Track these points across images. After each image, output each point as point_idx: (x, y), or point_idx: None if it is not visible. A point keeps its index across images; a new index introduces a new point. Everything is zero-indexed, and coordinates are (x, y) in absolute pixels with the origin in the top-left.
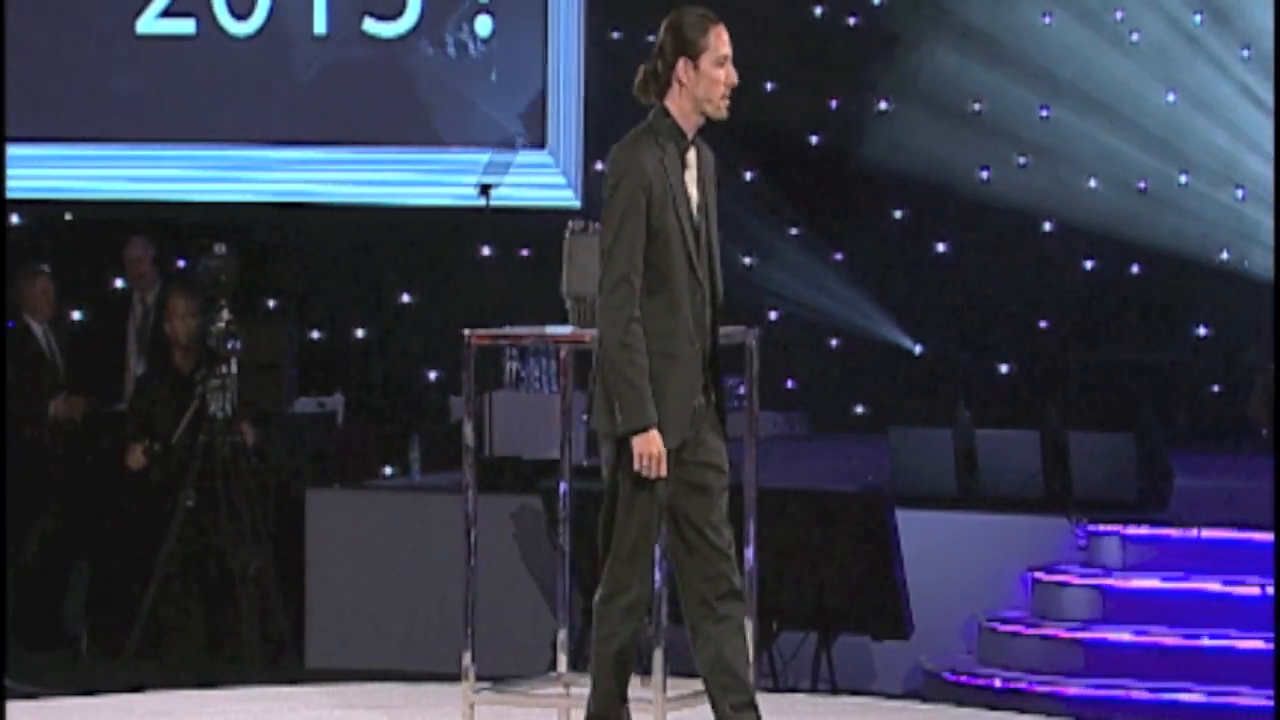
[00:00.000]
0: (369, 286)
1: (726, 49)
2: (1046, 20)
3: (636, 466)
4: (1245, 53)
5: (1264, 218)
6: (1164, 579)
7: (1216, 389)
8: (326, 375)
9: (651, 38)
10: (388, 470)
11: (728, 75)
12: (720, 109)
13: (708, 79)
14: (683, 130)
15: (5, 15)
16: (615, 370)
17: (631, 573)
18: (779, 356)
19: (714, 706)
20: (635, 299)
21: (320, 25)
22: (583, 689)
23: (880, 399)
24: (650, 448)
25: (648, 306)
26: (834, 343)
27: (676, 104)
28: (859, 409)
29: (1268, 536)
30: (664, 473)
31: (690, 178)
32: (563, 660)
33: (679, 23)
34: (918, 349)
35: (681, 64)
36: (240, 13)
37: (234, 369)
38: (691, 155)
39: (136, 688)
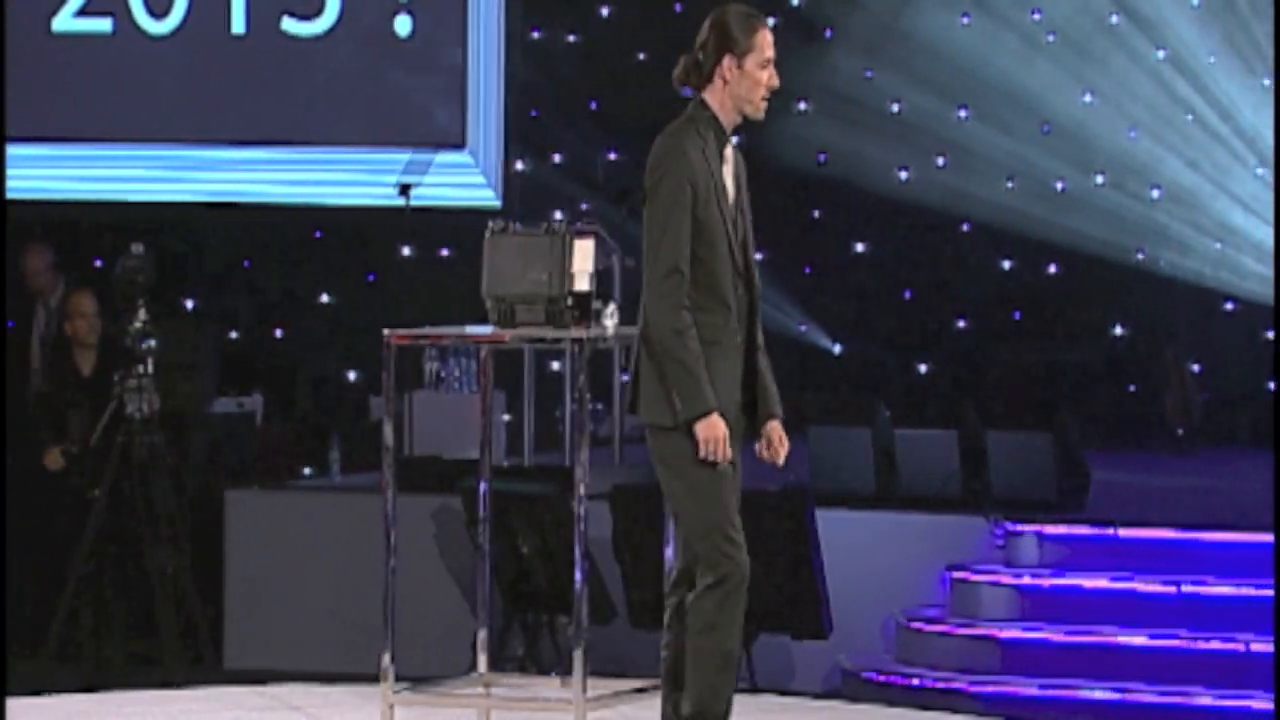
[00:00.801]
0: (288, 286)
1: (771, 51)
2: (965, 21)
3: (702, 453)
4: (1161, 54)
5: (1178, 218)
6: (1081, 578)
7: (1133, 389)
8: (245, 375)
9: (572, 38)
10: (307, 470)
11: (770, 78)
12: (759, 110)
13: (750, 79)
14: (721, 124)
15: (5, 16)
16: (671, 358)
17: (724, 560)
18: None
19: (664, 700)
20: (685, 288)
21: (239, 24)
22: (502, 689)
23: (799, 399)
24: (714, 431)
25: (695, 298)
26: None
27: (717, 99)
28: None
29: (1183, 535)
30: (729, 455)
31: (728, 172)
32: (482, 660)
33: (726, 19)
34: (837, 349)
35: (727, 61)
36: (158, 11)
37: (151, 369)
38: (729, 150)
39: (54, 690)
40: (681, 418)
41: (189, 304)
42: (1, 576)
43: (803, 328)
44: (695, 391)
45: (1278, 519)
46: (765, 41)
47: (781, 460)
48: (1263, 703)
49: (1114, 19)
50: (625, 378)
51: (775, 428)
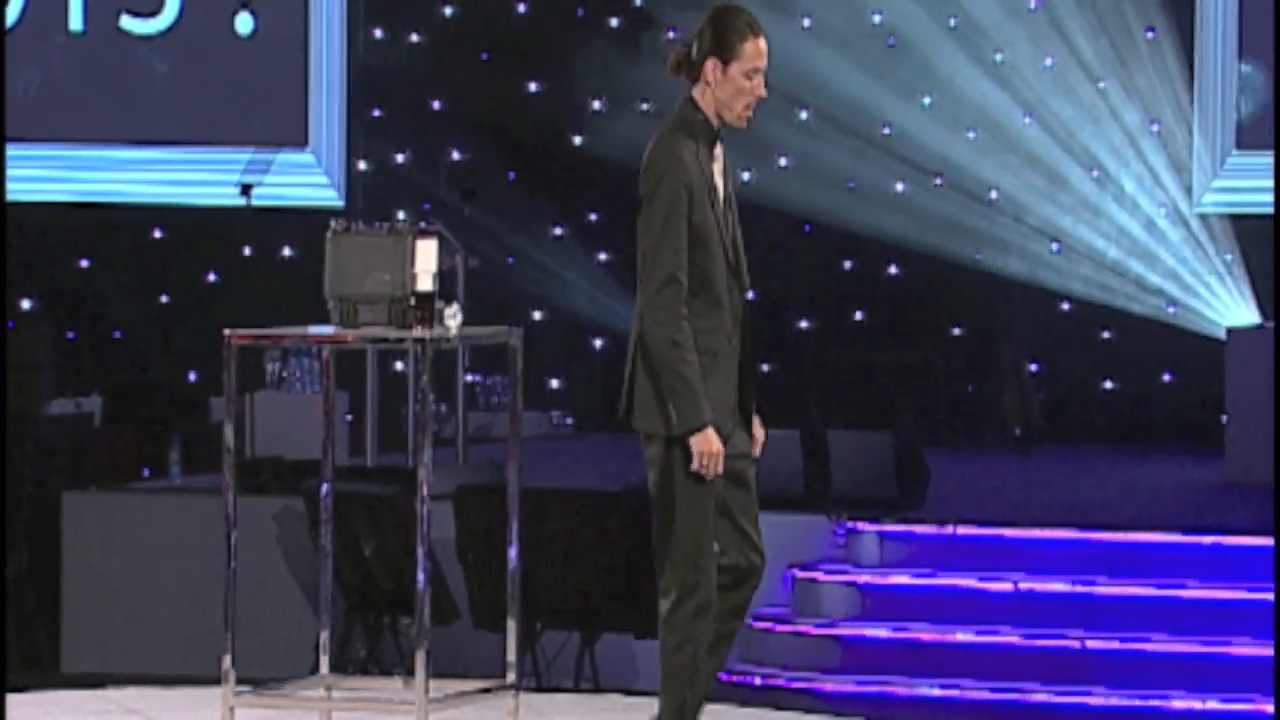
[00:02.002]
0: (128, 286)
1: (761, 62)
2: (806, 23)
3: (695, 466)
4: (999, 56)
5: (1016, 219)
6: (920, 575)
7: (972, 389)
8: (84, 376)
9: (415, 37)
10: (146, 472)
11: (754, 88)
12: (741, 119)
13: (733, 86)
14: (711, 124)
15: (5, 16)
16: (668, 369)
17: (697, 574)
18: (543, 357)
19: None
20: (683, 297)
21: (76, 22)
22: (344, 690)
23: None
24: (709, 446)
25: (691, 305)
26: (598, 343)
27: (704, 98)
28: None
29: (1020, 533)
30: (721, 470)
31: (717, 170)
32: (324, 662)
33: (721, 21)
34: None
35: (711, 64)
36: None
37: None
38: (718, 149)
39: None
40: (677, 430)
41: (25, 304)
42: (1, 577)
43: None
44: (692, 405)
45: (1278, 520)
46: (755, 51)
47: (757, 450)
48: (1097, 699)
49: (952, 21)
50: (473, 378)
51: (756, 421)
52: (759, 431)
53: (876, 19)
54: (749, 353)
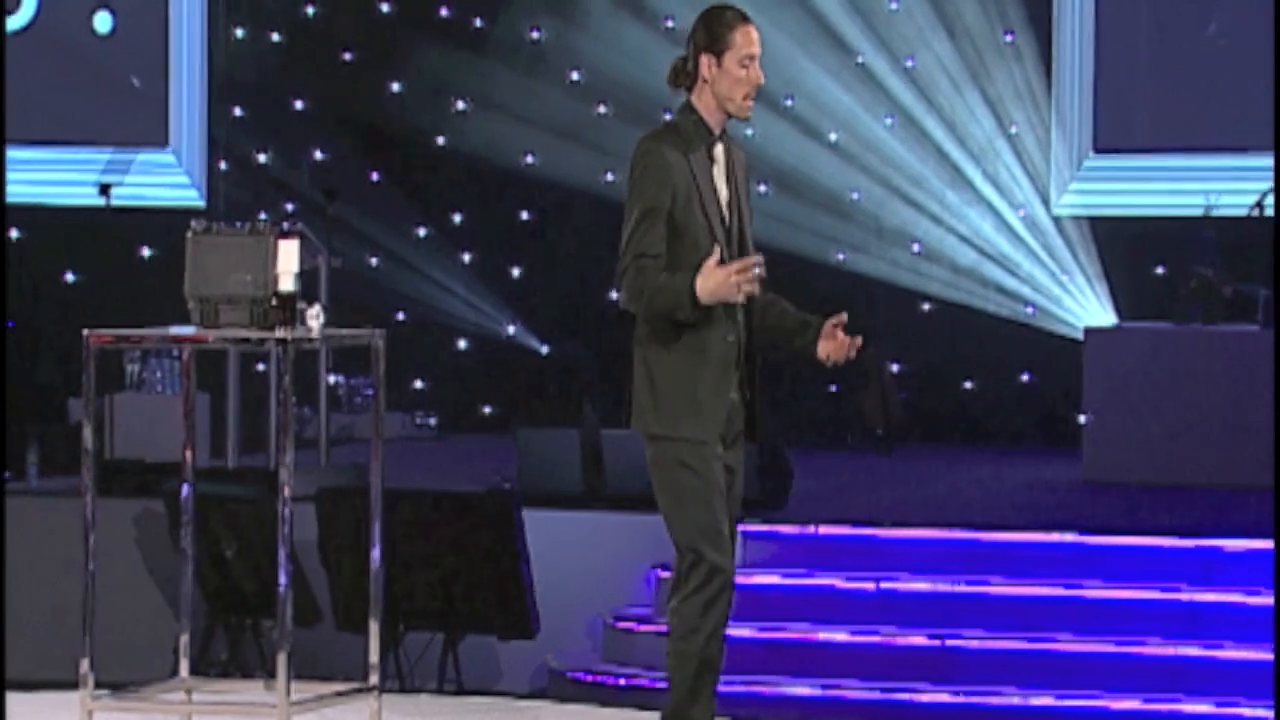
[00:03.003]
0: None
1: (754, 49)
2: (670, 24)
3: (726, 282)
4: (860, 59)
5: (877, 220)
6: (783, 575)
7: (834, 388)
8: None
9: (276, 37)
10: (4, 474)
11: (751, 75)
12: (743, 109)
13: (730, 77)
14: (708, 126)
15: (5, 17)
16: (656, 305)
17: (709, 564)
18: (406, 357)
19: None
20: (651, 271)
21: None
22: (205, 693)
23: (507, 399)
24: (713, 280)
25: None
26: (461, 344)
27: (702, 100)
28: (486, 409)
29: (881, 532)
30: (749, 275)
31: (718, 173)
32: (185, 665)
33: (706, 18)
34: (545, 349)
35: (705, 60)
36: None
37: None
38: (719, 151)
39: None
40: (693, 314)
41: None
42: (1, 578)
43: (511, 329)
44: (681, 290)
45: (1278, 522)
46: (747, 38)
47: (849, 350)
48: (956, 697)
49: (813, 24)
50: (335, 379)
51: (829, 326)
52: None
53: None
54: (753, 355)
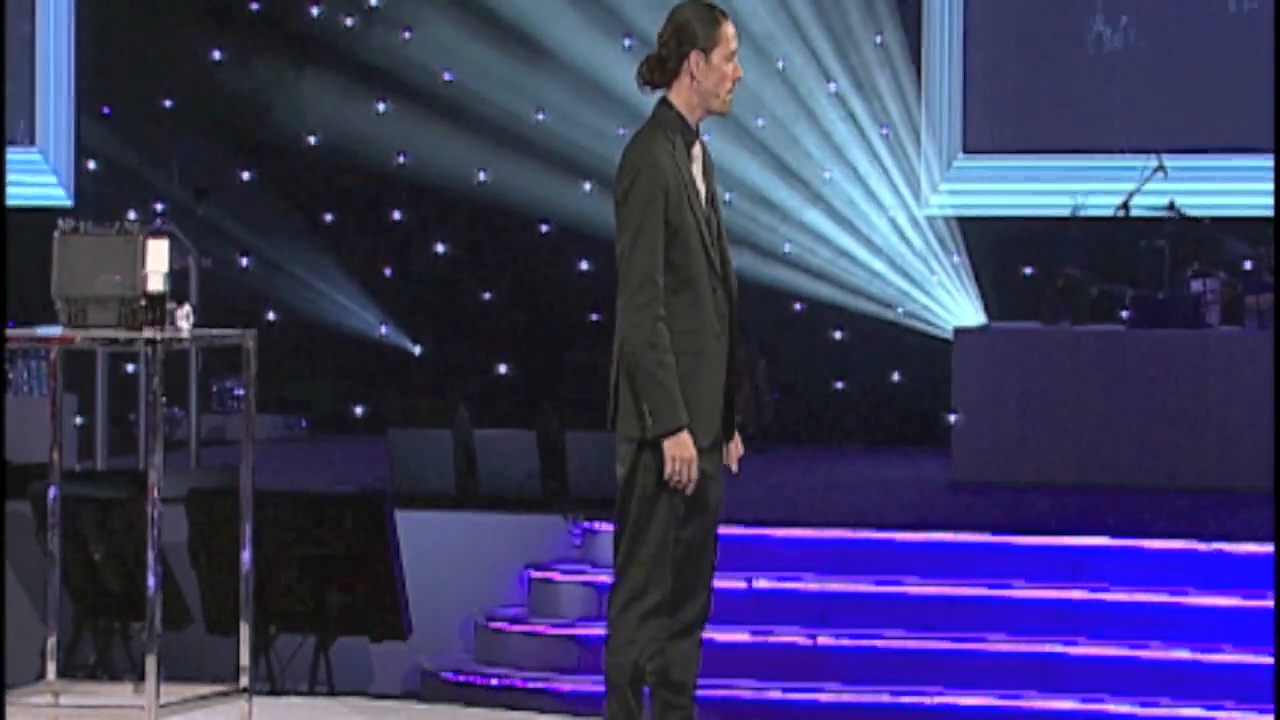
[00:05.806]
0: None
1: (735, 43)
2: (564, 21)
3: (668, 472)
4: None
5: (751, 219)
6: None
7: None
8: None
9: (145, 35)
10: None
11: (735, 70)
12: (726, 105)
13: (718, 73)
14: (687, 122)
15: (5, 16)
16: (644, 371)
17: (651, 578)
18: (278, 359)
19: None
20: (660, 298)
21: None
22: (73, 696)
23: (379, 400)
24: (682, 451)
25: (672, 305)
26: (333, 344)
27: (683, 96)
28: (358, 410)
29: (753, 531)
30: (695, 476)
31: (697, 170)
32: (52, 668)
33: (688, 15)
34: (417, 350)
35: (694, 57)
36: None
37: None
38: (696, 148)
39: None
40: (651, 433)
41: None
42: (1, 579)
43: (383, 329)
44: (667, 407)
45: (1278, 523)
46: (729, 34)
47: (735, 467)
48: (828, 695)
49: None
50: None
51: (737, 439)
52: (735, 448)
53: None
54: (735, 355)
